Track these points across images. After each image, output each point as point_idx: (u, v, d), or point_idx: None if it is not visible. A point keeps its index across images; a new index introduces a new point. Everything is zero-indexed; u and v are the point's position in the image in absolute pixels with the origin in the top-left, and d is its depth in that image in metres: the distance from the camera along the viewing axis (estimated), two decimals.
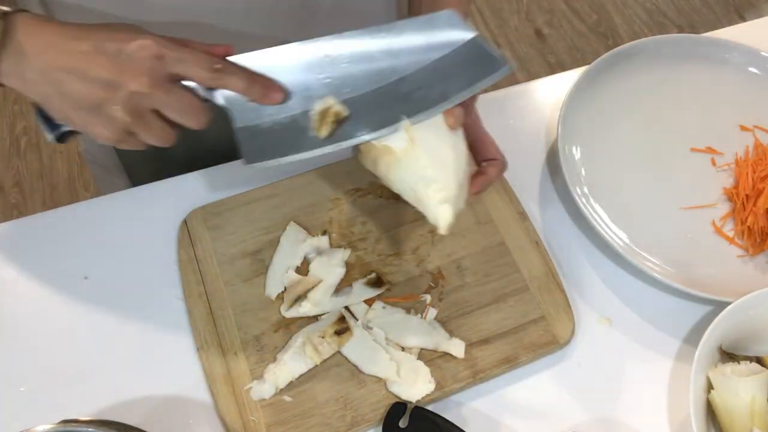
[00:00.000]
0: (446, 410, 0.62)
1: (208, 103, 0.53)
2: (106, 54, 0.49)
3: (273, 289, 0.66)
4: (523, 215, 0.72)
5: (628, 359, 0.66)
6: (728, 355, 0.63)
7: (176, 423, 0.61)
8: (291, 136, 0.54)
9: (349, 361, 0.63)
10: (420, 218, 0.64)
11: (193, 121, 0.52)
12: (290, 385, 0.62)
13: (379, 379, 0.62)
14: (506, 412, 0.63)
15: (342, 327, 0.63)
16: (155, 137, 0.52)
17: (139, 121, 0.51)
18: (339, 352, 0.63)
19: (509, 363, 0.63)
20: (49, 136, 0.55)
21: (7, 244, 0.70)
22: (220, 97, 0.53)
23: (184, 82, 0.52)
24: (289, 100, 0.54)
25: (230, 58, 0.53)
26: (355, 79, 0.55)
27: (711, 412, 0.61)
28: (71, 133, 0.55)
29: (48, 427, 0.53)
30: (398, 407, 0.61)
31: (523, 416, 0.63)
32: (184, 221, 0.70)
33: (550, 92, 0.84)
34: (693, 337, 0.67)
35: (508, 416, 0.63)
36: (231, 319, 0.65)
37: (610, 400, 0.64)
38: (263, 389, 0.61)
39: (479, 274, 0.68)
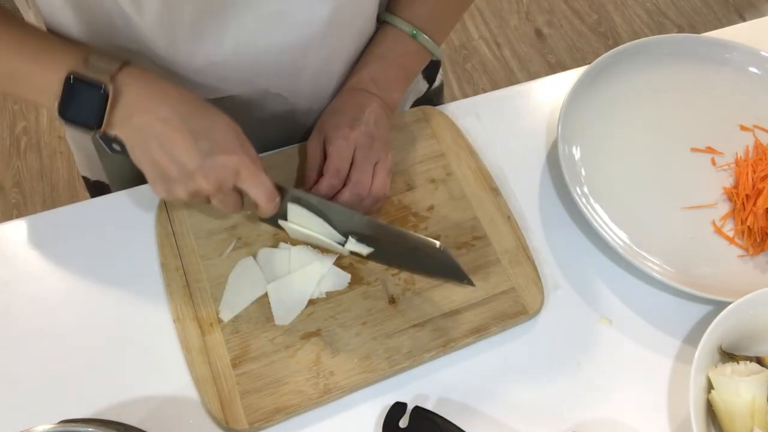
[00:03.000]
0: (446, 410, 0.62)
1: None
2: (197, 149, 0.57)
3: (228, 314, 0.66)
4: (495, 191, 0.73)
5: (628, 359, 0.66)
6: (728, 355, 0.63)
7: (176, 423, 0.61)
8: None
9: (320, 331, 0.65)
10: (397, 193, 0.73)
11: (230, 212, 0.63)
12: (264, 354, 0.63)
13: (353, 349, 0.64)
14: (506, 412, 0.63)
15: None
16: (200, 202, 0.62)
17: (192, 198, 0.60)
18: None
19: (479, 332, 0.65)
20: (106, 150, 0.61)
21: (7, 244, 0.70)
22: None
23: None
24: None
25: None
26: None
27: (711, 412, 0.61)
28: (122, 151, 0.61)
29: (48, 427, 0.53)
30: (398, 407, 0.61)
31: (523, 416, 0.63)
32: (162, 198, 0.70)
33: (550, 92, 0.84)
34: (693, 337, 0.67)
35: (508, 416, 0.63)
36: (207, 291, 0.66)
37: (610, 400, 0.64)
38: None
39: (452, 247, 0.70)
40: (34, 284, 0.68)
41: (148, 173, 0.59)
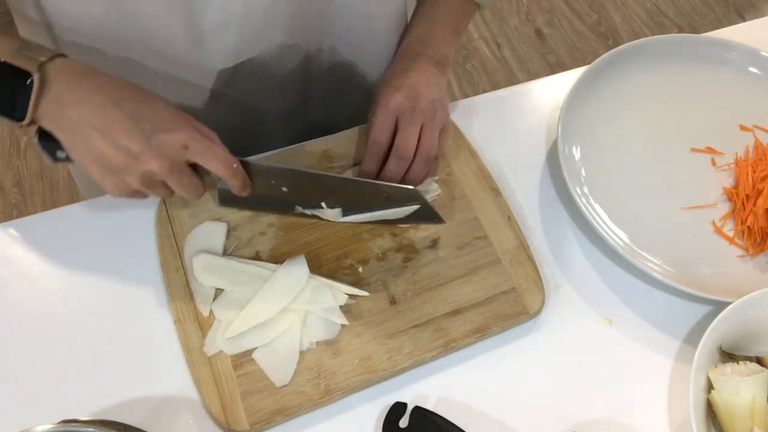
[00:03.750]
0: (446, 410, 0.62)
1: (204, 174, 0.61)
2: (140, 130, 0.54)
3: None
4: (495, 191, 0.73)
5: (628, 359, 0.66)
6: (728, 355, 0.63)
7: (176, 423, 0.61)
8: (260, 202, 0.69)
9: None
10: None
11: (192, 196, 0.60)
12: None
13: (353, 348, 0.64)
14: (506, 412, 0.63)
15: None
16: (158, 196, 0.60)
17: (147, 188, 0.58)
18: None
19: (480, 333, 0.65)
20: (48, 160, 0.59)
21: (7, 244, 0.70)
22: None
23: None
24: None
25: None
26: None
27: (711, 412, 0.61)
28: (68, 158, 0.58)
29: (48, 427, 0.53)
30: (398, 407, 0.61)
31: (524, 416, 0.63)
32: (162, 199, 0.71)
33: (550, 92, 0.84)
34: (693, 337, 0.67)
35: (508, 416, 0.63)
36: None
37: (610, 400, 0.64)
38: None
39: (452, 247, 0.70)
40: (34, 284, 0.68)
41: (94, 170, 0.56)
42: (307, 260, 0.67)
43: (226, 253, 0.68)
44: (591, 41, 2.13)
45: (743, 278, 0.70)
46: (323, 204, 0.68)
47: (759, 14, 2.21)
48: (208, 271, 0.66)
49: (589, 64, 0.80)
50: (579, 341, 0.67)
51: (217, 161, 0.58)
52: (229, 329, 0.63)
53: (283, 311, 0.64)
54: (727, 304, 0.63)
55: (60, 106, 0.54)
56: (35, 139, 0.58)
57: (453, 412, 0.62)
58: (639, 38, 0.83)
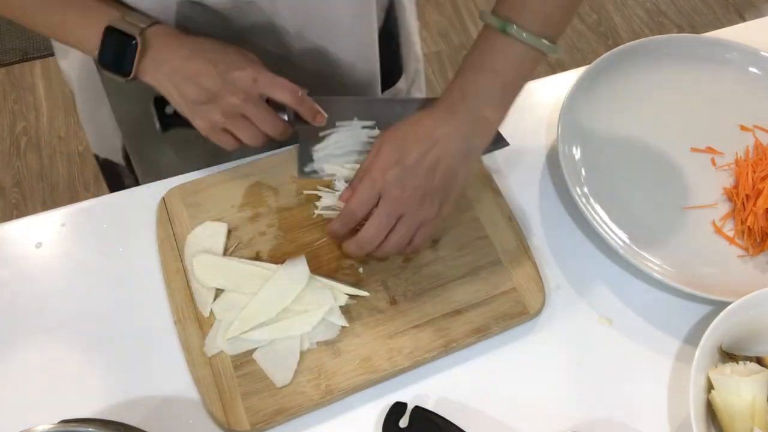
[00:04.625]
0: (446, 410, 0.62)
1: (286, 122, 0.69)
2: (216, 72, 0.64)
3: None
4: (496, 192, 0.73)
5: (628, 359, 0.66)
6: (728, 355, 0.63)
7: (176, 423, 0.61)
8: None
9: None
10: None
11: (272, 130, 0.68)
12: None
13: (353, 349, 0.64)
14: (506, 412, 0.63)
15: None
16: (243, 136, 0.67)
17: (232, 122, 0.66)
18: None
19: (481, 333, 0.65)
20: (157, 125, 0.71)
21: (7, 244, 0.70)
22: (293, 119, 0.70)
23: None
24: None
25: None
26: None
27: (711, 412, 0.61)
28: (173, 125, 0.71)
29: (48, 427, 0.53)
30: (398, 407, 0.61)
31: (524, 416, 0.63)
32: (162, 199, 0.71)
33: (550, 92, 0.84)
34: (693, 337, 0.67)
35: (508, 416, 0.63)
36: None
37: (610, 400, 0.64)
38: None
39: (453, 248, 0.70)
40: (34, 284, 0.68)
41: (187, 111, 0.66)
42: (307, 260, 0.67)
43: (226, 253, 0.68)
44: (591, 41, 2.13)
45: (743, 278, 0.70)
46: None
47: (759, 14, 2.20)
48: (208, 271, 0.66)
49: (589, 64, 0.80)
50: (579, 341, 0.67)
51: (284, 90, 0.66)
52: (229, 330, 0.63)
53: (284, 311, 0.64)
54: (727, 304, 0.63)
55: (157, 62, 0.65)
56: (152, 106, 0.70)
57: (453, 412, 0.62)
58: (639, 38, 0.83)
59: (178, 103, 0.67)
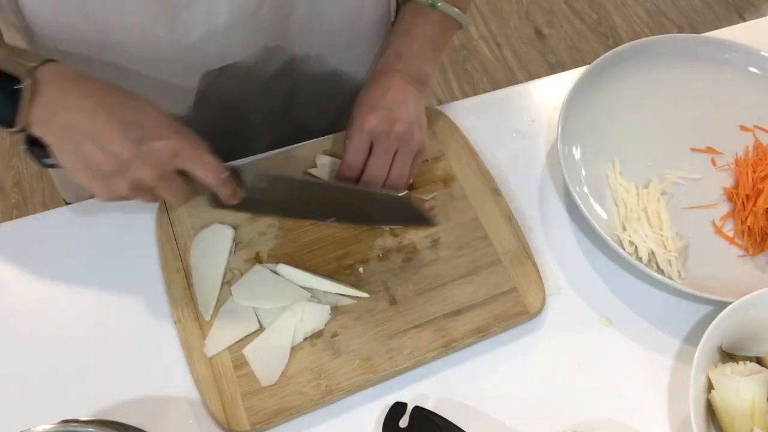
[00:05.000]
0: (446, 410, 0.62)
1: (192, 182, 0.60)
2: (129, 137, 0.54)
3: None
4: (496, 191, 0.73)
5: (628, 359, 0.66)
6: (728, 355, 0.63)
7: (176, 423, 0.61)
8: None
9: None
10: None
11: (180, 201, 0.60)
12: None
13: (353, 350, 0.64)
14: (506, 412, 0.63)
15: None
16: (145, 201, 0.59)
17: (136, 194, 0.58)
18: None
19: (481, 333, 0.65)
20: (37, 165, 0.59)
21: (7, 244, 0.70)
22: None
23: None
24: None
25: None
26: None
27: (711, 412, 0.61)
28: (55, 164, 0.58)
29: (48, 427, 0.53)
30: (398, 407, 0.61)
31: (524, 416, 0.63)
32: (163, 200, 0.70)
33: (550, 92, 0.84)
34: (693, 337, 0.67)
35: (508, 416, 0.63)
36: None
37: (610, 400, 0.64)
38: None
39: (453, 248, 0.70)
40: (34, 284, 0.68)
41: (82, 175, 0.56)
42: (307, 260, 0.67)
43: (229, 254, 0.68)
44: (591, 41, 2.13)
45: (743, 278, 0.70)
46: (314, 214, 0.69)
47: (759, 14, 2.20)
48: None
49: (589, 64, 0.80)
50: (579, 341, 0.67)
51: (207, 170, 0.58)
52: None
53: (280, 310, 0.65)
54: (727, 304, 0.63)
55: (50, 111, 0.54)
56: (23, 146, 0.58)
57: (453, 412, 0.62)
58: (639, 38, 0.83)
59: (70, 163, 0.56)
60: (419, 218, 0.70)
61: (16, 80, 0.53)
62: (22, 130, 0.55)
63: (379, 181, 0.67)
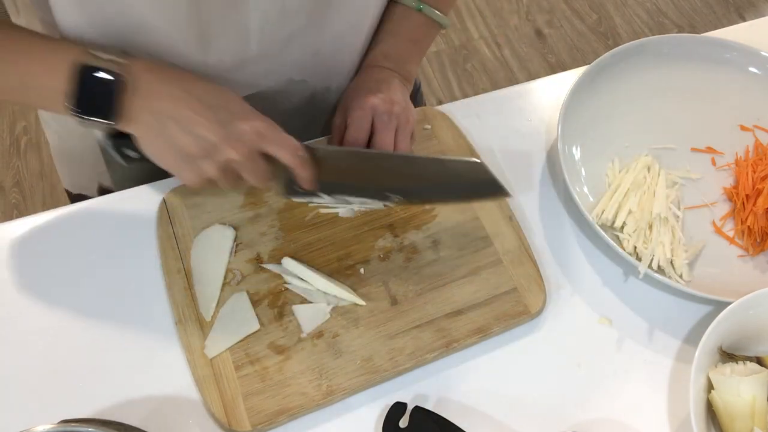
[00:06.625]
0: (446, 410, 0.62)
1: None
2: (217, 120, 0.57)
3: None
4: None
5: (628, 359, 0.66)
6: (728, 355, 0.63)
7: (176, 423, 0.61)
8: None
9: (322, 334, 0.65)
10: None
11: (261, 184, 0.61)
12: (266, 355, 0.63)
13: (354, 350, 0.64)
14: (506, 412, 0.63)
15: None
16: (228, 185, 0.60)
17: (223, 176, 0.59)
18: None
19: (482, 333, 0.65)
20: (120, 160, 0.62)
21: (7, 244, 0.70)
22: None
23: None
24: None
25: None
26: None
27: (711, 412, 0.61)
28: (134, 162, 0.62)
29: (48, 427, 0.53)
30: (398, 407, 0.61)
31: (524, 416, 0.63)
32: (163, 200, 0.71)
33: (550, 92, 0.84)
34: (693, 337, 0.67)
35: (508, 416, 0.63)
36: None
37: (610, 400, 0.64)
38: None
39: (453, 248, 0.70)
40: (34, 284, 0.68)
41: (171, 161, 0.58)
42: (308, 261, 0.67)
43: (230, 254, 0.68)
44: (591, 41, 2.13)
45: (743, 278, 0.70)
46: (388, 197, 0.66)
47: (759, 14, 2.21)
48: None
49: (589, 64, 0.80)
50: (579, 341, 0.67)
51: (288, 151, 0.59)
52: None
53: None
54: (727, 304, 0.63)
55: (142, 102, 0.56)
56: (109, 142, 0.60)
57: (453, 412, 0.62)
58: (639, 38, 0.83)
59: (159, 150, 0.58)
60: (494, 187, 0.64)
61: (110, 75, 0.55)
62: (116, 128, 0.57)
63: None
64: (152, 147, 0.58)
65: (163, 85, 0.57)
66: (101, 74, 0.55)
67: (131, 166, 0.63)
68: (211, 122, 0.56)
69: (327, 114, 0.81)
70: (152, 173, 0.68)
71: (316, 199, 0.66)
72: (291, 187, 0.64)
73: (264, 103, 0.71)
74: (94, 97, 0.56)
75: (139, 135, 0.58)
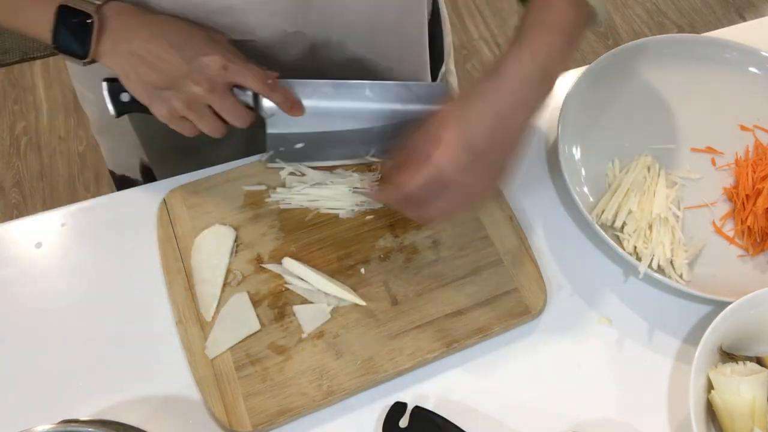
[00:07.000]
0: (446, 410, 0.62)
1: (251, 110, 0.67)
2: (180, 56, 0.62)
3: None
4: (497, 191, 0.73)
5: (628, 359, 0.66)
6: (728, 355, 0.63)
7: (176, 423, 0.61)
8: (308, 148, 0.72)
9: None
10: None
11: (238, 121, 0.65)
12: (267, 356, 0.63)
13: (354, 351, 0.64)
14: (506, 412, 0.63)
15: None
16: (205, 127, 0.65)
17: (193, 112, 0.63)
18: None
19: (482, 333, 0.65)
20: (112, 110, 0.68)
21: (7, 244, 0.70)
22: (263, 107, 0.67)
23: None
24: (309, 120, 0.70)
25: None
26: (359, 114, 0.72)
27: (711, 412, 0.61)
28: (129, 110, 0.68)
29: (48, 427, 0.53)
30: (398, 407, 0.61)
31: (524, 416, 0.63)
32: (163, 200, 0.71)
33: None
34: (693, 337, 0.67)
35: (508, 416, 0.63)
36: None
37: (610, 400, 0.64)
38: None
39: (454, 248, 0.70)
40: (35, 284, 0.68)
41: (144, 96, 0.63)
42: (309, 261, 0.67)
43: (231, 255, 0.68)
44: (591, 41, 2.13)
45: (743, 278, 0.70)
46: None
47: (759, 14, 2.20)
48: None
49: (589, 64, 0.80)
50: (579, 341, 0.67)
51: (255, 79, 0.63)
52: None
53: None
54: (727, 304, 0.63)
55: (114, 42, 0.62)
56: (105, 89, 0.66)
57: (453, 412, 0.62)
58: (639, 38, 0.83)
59: (134, 88, 0.64)
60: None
61: (85, 16, 0.61)
62: (93, 61, 0.63)
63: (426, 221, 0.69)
64: (128, 83, 0.64)
65: (132, 28, 0.63)
66: (77, 17, 0.61)
67: (128, 111, 0.68)
68: (174, 58, 0.61)
69: (330, 66, 0.78)
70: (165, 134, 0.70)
71: (294, 164, 0.71)
72: (275, 143, 0.69)
73: (262, 53, 0.72)
74: (69, 35, 0.62)
75: (119, 74, 0.64)
